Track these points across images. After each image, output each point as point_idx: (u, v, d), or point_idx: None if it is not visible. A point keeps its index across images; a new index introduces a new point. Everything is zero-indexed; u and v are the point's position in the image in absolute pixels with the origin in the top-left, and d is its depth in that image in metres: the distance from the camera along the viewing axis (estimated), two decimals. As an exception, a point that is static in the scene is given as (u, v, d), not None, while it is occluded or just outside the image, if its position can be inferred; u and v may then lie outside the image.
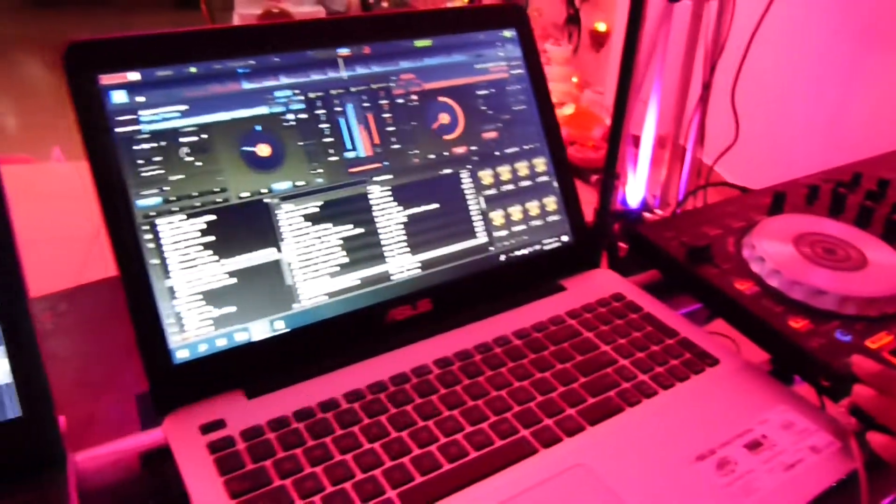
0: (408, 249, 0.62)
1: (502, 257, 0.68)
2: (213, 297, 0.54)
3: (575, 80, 3.26)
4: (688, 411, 0.56)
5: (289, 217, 0.58)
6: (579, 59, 3.36)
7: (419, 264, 0.63)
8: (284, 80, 0.59)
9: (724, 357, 0.62)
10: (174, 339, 0.53)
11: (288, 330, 0.57)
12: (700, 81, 1.61)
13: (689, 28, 1.63)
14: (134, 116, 0.53)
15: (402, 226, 0.62)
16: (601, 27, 3.19)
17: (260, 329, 0.56)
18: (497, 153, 0.68)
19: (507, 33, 0.70)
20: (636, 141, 1.65)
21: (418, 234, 0.63)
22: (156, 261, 0.52)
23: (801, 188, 0.84)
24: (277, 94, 0.58)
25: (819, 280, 0.66)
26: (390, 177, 0.62)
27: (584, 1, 3.26)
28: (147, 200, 0.53)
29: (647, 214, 1.47)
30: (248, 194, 0.56)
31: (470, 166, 0.67)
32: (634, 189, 1.63)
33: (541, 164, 0.71)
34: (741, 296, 0.66)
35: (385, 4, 3.96)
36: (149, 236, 0.52)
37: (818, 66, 2.15)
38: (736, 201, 0.83)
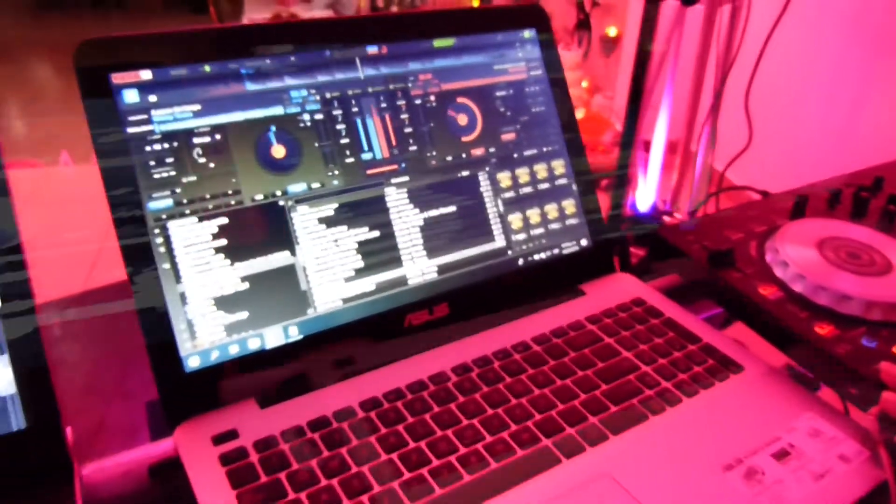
0: (425, 253, 0.61)
1: (520, 261, 0.66)
2: (225, 302, 0.53)
3: (585, 84, 3.25)
4: (713, 419, 0.54)
5: (304, 220, 0.56)
6: (589, 63, 3.35)
7: (436, 268, 0.61)
8: (300, 80, 0.57)
9: (748, 363, 0.60)
10: (185, 346, 0.51)
11: (302, 336, 0.55)
12: (712, 86, 1.59)
13: (702, 33, 1.61)
14: (146, 116, 0.52)
15: (418, 229, 0.61)
16: (612, 32, 3.18)
17: (273, 336, 0.54)
18: (515, 155, 0.67)
19: (527, 34, 0.69)
20: (647, 146, 1.64)
21: (435, 238, 0.62)
22: (167, 265, 0.51)
23: (823, 192, 0.82)
24: (293, 94, 0.57)
25: (844, 285, 0.64)
26: (407, 179, 0.61)
27: (595, 6, 3.25)
28: (158, 203, 0.51)
29: (666, 218, 1.46)
30: (262, 196, 0.55)
31: (488, 168, 0.65)
32: (645, 194, 1.62)
33: (559, 166, 0.69)
34: (765, 301, 0.64)
35: (395, 10, 3.96)
36: (160, 240, 0.51)
37: (831, 71, 2.13)
38: (757, 205, 0.81)
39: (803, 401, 0.56)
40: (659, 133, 1.61)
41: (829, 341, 0.59)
